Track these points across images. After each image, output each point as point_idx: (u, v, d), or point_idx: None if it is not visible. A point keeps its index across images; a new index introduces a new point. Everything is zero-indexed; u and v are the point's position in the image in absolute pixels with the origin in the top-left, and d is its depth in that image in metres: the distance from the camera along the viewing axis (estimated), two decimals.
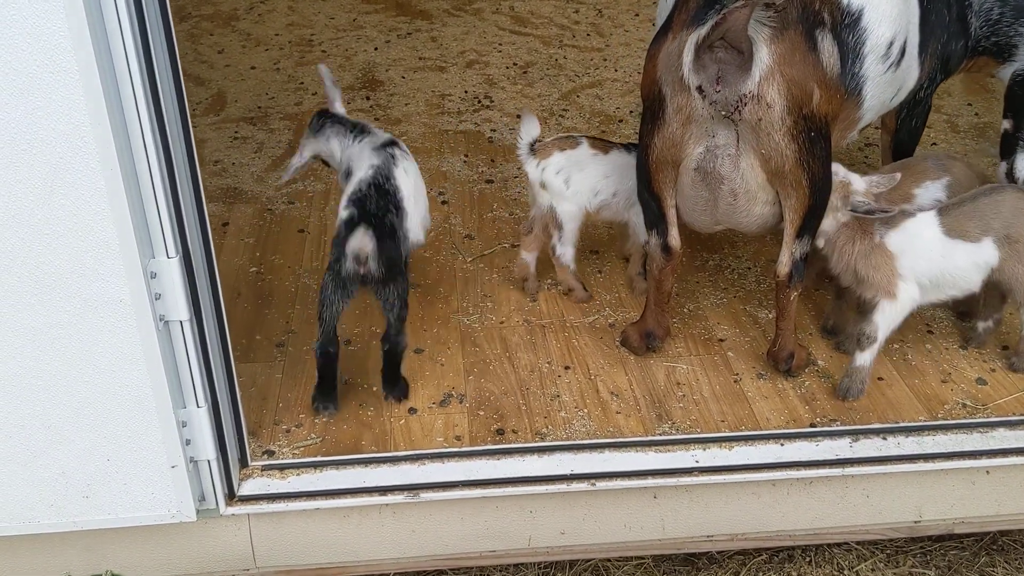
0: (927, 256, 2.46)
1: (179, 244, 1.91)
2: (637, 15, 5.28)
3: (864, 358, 2.52)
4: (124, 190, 1.78)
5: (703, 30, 2.08)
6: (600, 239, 3.24)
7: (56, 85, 1.67)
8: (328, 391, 2.48)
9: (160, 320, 1.93)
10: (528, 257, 2.92)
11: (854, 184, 2.43)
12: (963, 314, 2.83)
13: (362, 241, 2.32)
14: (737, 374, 2.65)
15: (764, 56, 2.14)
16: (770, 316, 2.88)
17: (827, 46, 2.22)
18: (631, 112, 4.16)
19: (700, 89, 2.20)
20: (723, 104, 2.19)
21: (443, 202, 3.49)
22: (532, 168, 2.75)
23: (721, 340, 2.79)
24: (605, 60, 4.71)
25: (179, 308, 1.94)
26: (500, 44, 4.90)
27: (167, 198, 1.86)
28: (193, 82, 4.46)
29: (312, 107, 4.20)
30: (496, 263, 3.15)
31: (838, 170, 2.40)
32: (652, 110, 2.34)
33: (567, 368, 2.67)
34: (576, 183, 2.76)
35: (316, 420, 2.46)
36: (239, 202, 3.49)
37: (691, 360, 2.71)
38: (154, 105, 1.79)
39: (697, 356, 2.72)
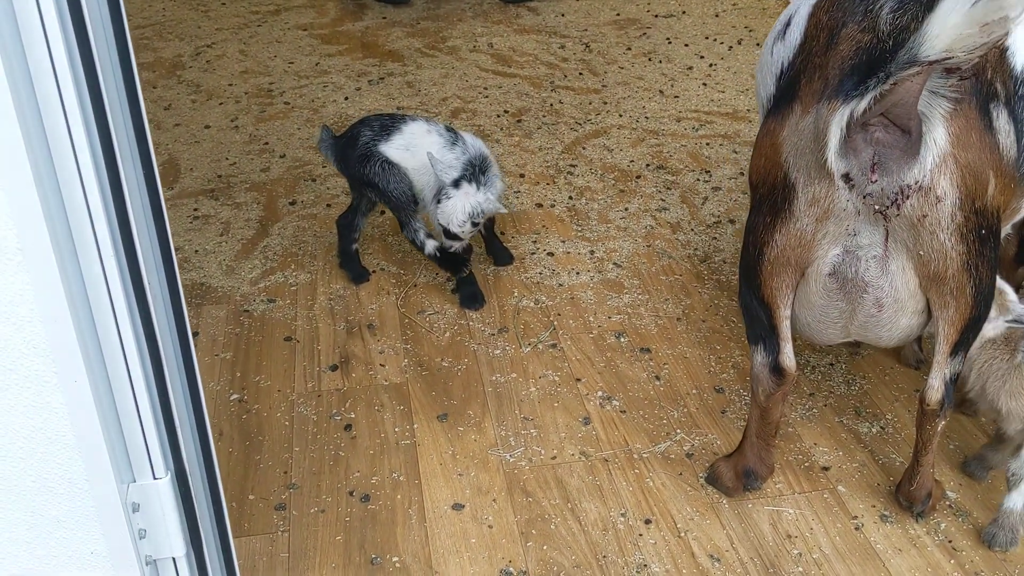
0: None
1: (170, 456, 1.34)
2: (629, 49, 4.79)
3: (1014, 500, 2.04)
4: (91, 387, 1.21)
5: (862, 103, 1.59)
6: (649, 334, 2.73)
7: None
8: (347, 260, 2.94)
9: (147, 563, 1.36)
10: None
11: (1008, 292, 1.96)
12: None
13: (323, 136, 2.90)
14: (856, 517, 2.16)
15: (940, 137, 1.65)
16: (873, 431, 2.40)
17: (1003, 124, 1.74)
18: (647, 166, 3.67)
19: (847, 178, 1.70)
20: (877, 197, 1.70)
21: (453, 290, 2.94)
22: None
23: (825, 468, 2.29)
24: (605, 103, 4.21)
25: (173, 543, 1.37)
26: (485, 88, 4.37)
27: (150, 390, 1.29)
28: None
29: (282, 172, 3.63)
30: (531, 370, 2.62)
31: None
32: (772, 201, 1.84)
33: (648, 522, 2.14)
34: None
35: None
36: (208, 303, 2.89)
37: (797, 500, 2.20)
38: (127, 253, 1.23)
39: (803, 494, 2.22)
